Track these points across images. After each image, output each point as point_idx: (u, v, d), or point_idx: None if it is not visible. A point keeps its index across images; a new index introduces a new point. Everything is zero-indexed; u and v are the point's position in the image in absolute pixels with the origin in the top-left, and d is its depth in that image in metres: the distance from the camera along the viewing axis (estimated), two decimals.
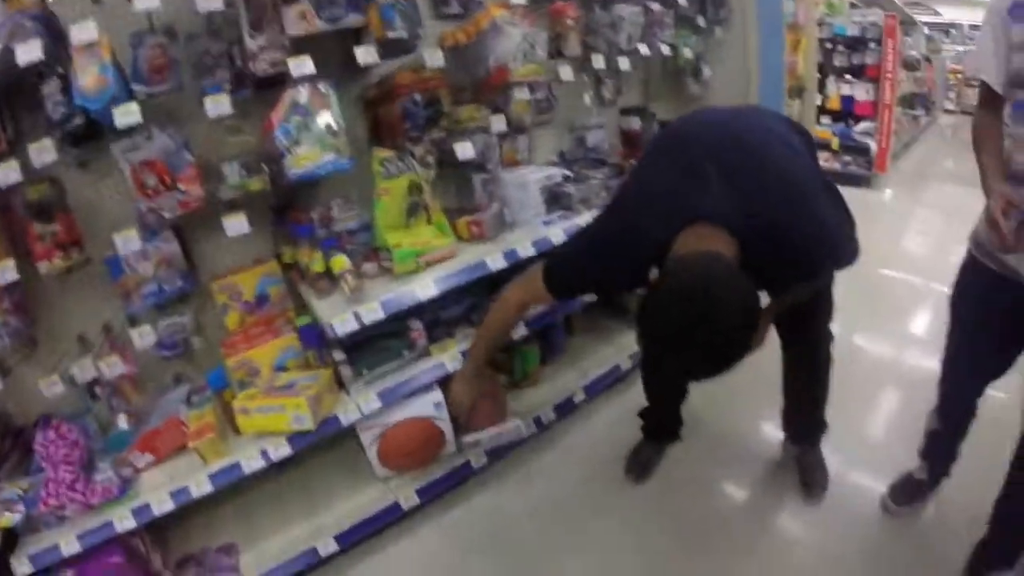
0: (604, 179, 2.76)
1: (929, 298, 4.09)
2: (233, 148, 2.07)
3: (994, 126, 1.64)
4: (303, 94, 1.92)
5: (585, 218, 2.51)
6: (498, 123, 2.40)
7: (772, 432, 2.60)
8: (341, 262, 2.12)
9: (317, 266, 2.17)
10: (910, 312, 3.94)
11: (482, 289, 2.35)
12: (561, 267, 1.74)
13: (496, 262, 2.22)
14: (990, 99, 1.65)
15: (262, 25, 1.89)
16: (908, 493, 2.22)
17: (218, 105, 1.83)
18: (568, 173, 2.67)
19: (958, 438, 2.10)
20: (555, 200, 2.49)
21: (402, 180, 2.21)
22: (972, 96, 18.31)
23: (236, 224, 1.91)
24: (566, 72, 2.63)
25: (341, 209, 2.28)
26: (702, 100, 3.64)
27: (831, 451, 2.43)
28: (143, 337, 2.00)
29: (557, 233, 2.38)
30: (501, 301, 1.91)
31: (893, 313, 3.89)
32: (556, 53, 2.75)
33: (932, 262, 4.88)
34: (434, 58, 2.14)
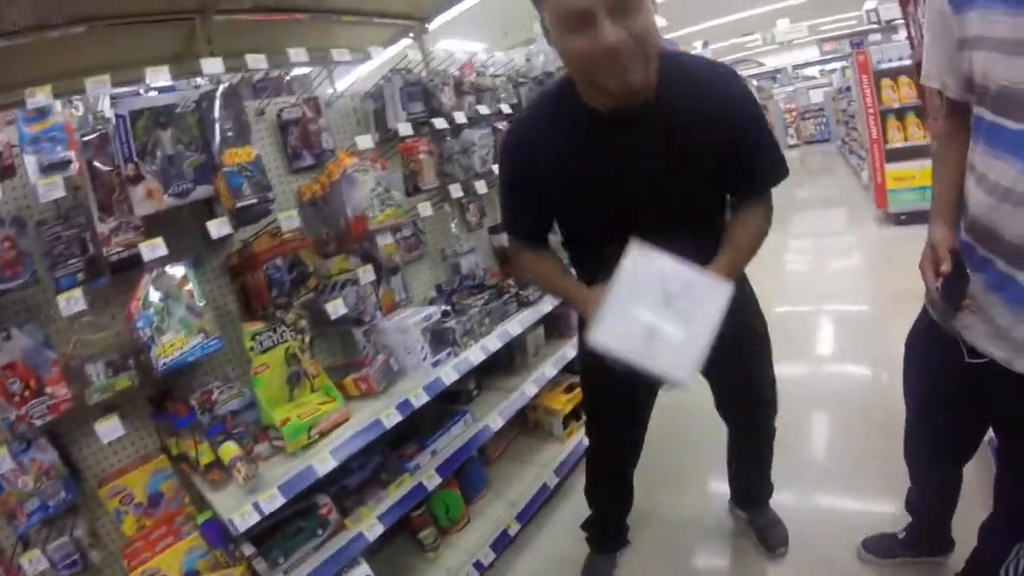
0: (484, 305, 2.80)
1: (822, 317, 4.59)
2: (96, 346, 1.96)
3: (957, 140, 1.39)
4: (161, 278, 1.89)
5: (472, 352, 2.54)
6: (366, 274, 2.40)
7: (720, 506, 2.66)
8: (229, 450, 2.01)
9: (205, 457, 2.05)
10: (815, 336, 4.32)
11: (386, 445, 2.28)
12: (504, 218, 1.82)
13: (391, 418, 2.17)
14: (952, 108, 1.42)
15: (111, 207, 1.87)
16: (885, 547, 2.18)
17: (71, 303, 1.75)
18: (446, 308, 2.69)
19: (940, 515, 1.98)
20: (439, 339, 2.49)
21: (278, 352, 2.16)
22: (810, 126, 20.13)
23: (109, 428, 1.82)
24: (425, 208, 2.70)
25: (221, 390, 2.17)
26: None
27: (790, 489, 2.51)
28: (33, 563, 1.81)
29: (449, 373, 2.38)
30: (517, 256, 1.89)
31: (801, 343, 4.19)
32: (414, 189, 2.83)
33: (818, 285, 5.42)
34: (289, 221, 2.14)
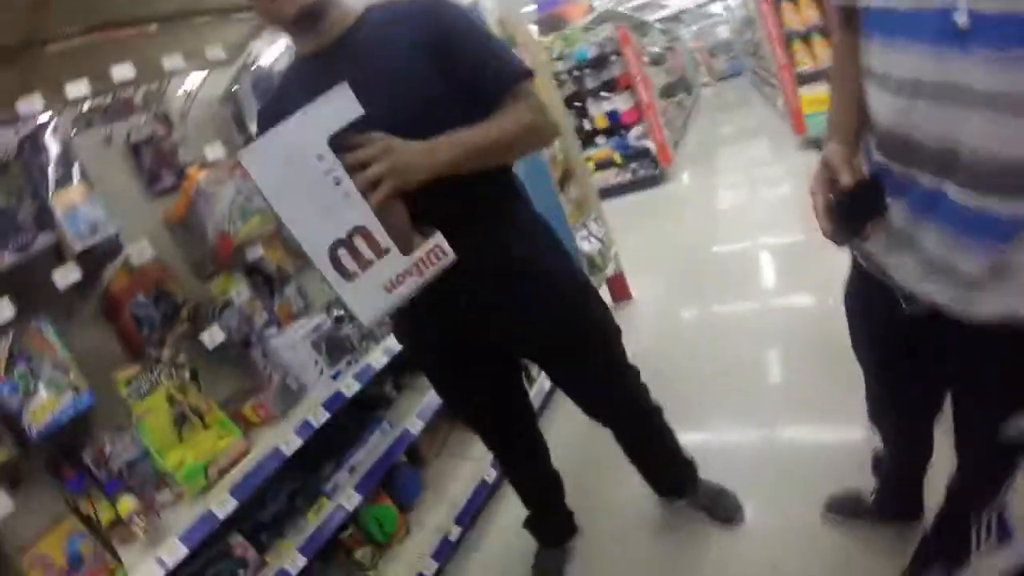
0: None
1: (764, 251, 4.66)
2: None
3: (851, 50, 1.19)
4: (19, 340, 1.81)
5: (374, 356, 2.42)
6: (240, 293, 2.29)
7: None
8: (126, 505, 1.93)
9: (105, 515, 1.96)
10: (755, 271, 4.39)
11: (306, 468, 2.18)
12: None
13: (291, 444, 2.06)
14: (846, 16, 1.23)
15: None
16: (850, 508, 2.08)
17: None
18: (340, 313, 2.57)
19: (911, 476, 1.82)
20: (336, 347, 2.38)
21: (158, 394, 2.03)
22: (721, 63, 20.32)
23: None
24: None
25: (113, 442, 2.05)
26: None
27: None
28: None
29: (350, 384, 2.27)
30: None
31: (741, 279, 4.28)
32: None
33: (751, 220, 5.50)
34: (140, 253, 1.99)
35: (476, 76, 1.47)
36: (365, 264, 1.25)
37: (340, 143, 1.22)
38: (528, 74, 1.53)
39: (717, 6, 21.56)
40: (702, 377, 3.23)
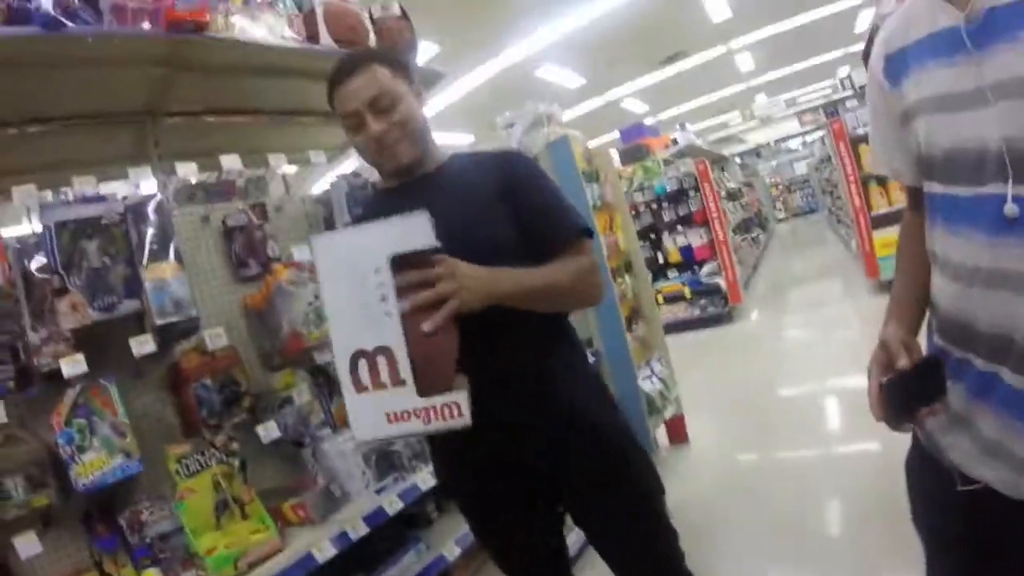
0: None
1: (831, 396, 4.57)
2: (15, 460, 1.89)
3: (917, 232, 1.22)
4: (83, 394, 1.88)
5: (422, 476, 2.41)
6: (301, 394, 2.34)
7: None
8: (150, 575, 1.93)
9: None
10: (822, 416, 4.32)
11: None
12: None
13: (325, 552, 2.04)
14: (913, 198, 1.26)
15: (44, 316, 1.88)
16: None
17: None
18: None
19: None
20: (385, 462, 2.39)
21: (205, 477, 2.06)
22: (797, 198, 20.21)
23: (27, 545, 1.79)
24: None
25: (152, 511, 2.07)
26: None
27: None
28: None
29: (393, 501, 2.26)
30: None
31: (807, 423, 4.17)
32: None
33: (819, 363, 5.39)
34: (216, 339, 2.07)
35: (538, 225, 1.56)
36: (378, 385, 1.25)
37: (408, 260, 1.25)
38: (587, 233, 1.60)
39: (795, 142, 21.81)
40: (757, 527, 3.08)
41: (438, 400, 1.24)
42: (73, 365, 1.82)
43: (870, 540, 2.74)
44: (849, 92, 14.58)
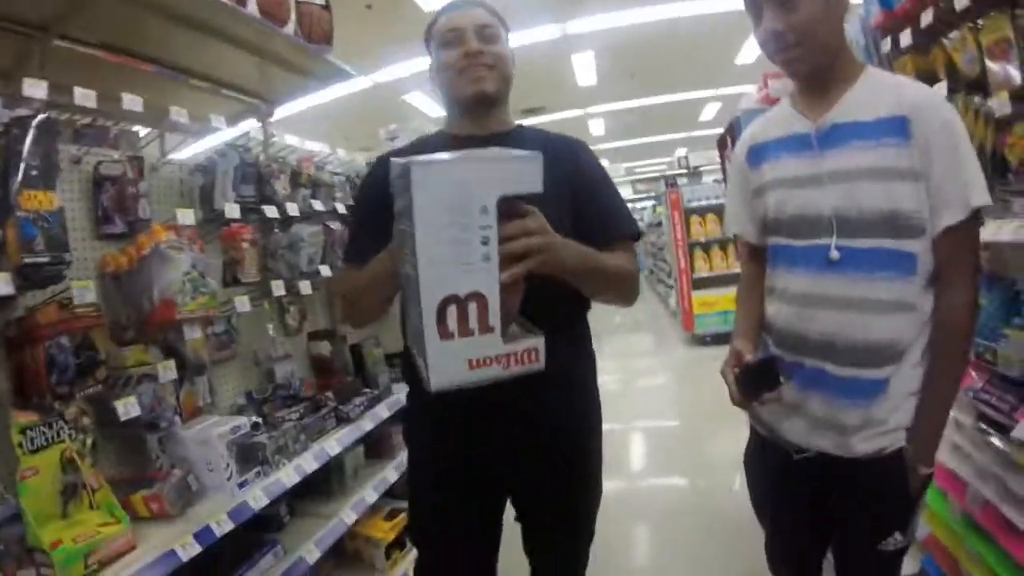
0: (299, 419, 2.59)
1: (636, 434, 5.17)
2: None
3: (755, 281, 1.77)
4: None
5: (287, 472, 2.28)
6: (167, 371, 2.11)
7: None
8: None
9: None
10: (629, 452, 4.81)
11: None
12: (346, 248, 1.87)
13: (189, 548, 1.83)
14: (751, 253, 1.81)
15: None
16: None
17: None
18: (257, 419, 2.42)
19: None
20: (247, 455, 2.20)
21: (52, 452, 1.76)
22: None
23: None
24: (243, 303, 2.49)
25: None
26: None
27: None
28: None
29: (258, 496, 2.10)
30: (336, 284, 1.80)
31: (617, 459, 4.48)
32: (232, 280, 2.60)
33: (630, 406, 5.97)
34: (83, 292, 1.83)
35: (598, 217, 1.64)
36: (465, 331, 1.18)
37: (511, 205, 1.21)
38: (638, 236, 1.73)
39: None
40: None
41: (520, 345, 1.24)
42: None
43: (675, 564, 2.98)
44: (683, 171, 15.94)
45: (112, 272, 2.16)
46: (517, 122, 1.78)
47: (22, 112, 1.77)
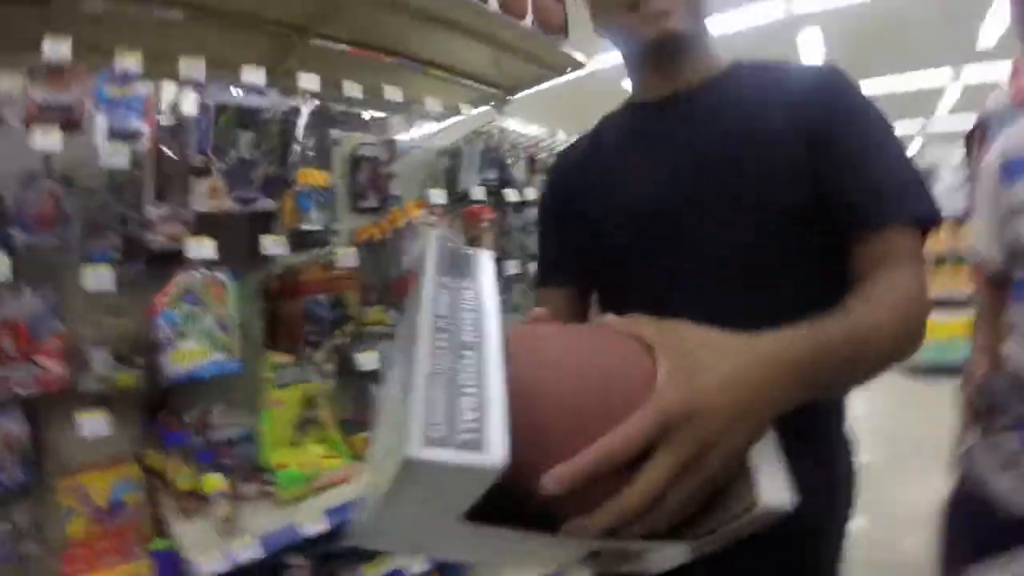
0: None
1: None
2: (107, 331, 1.92)
3: (997, 314, 1.60)
4: (198, 280, 1.86)
5: None
6: None
7: None
8: (214, 482, 1.89)
9: (184, 482, 1.92)
10: None
11: None
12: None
13: None
14: (992, 280, 1.63)
15: (166, 193, 1.85)
16: None
17: (98, 277, 1.72)
18: None
19: None
20: None
21: (296, 390, 2.12)
22: None
23: (93, 423, 1.75)
24: None
25: (222, 415, 2.09)
26: None
27: None
28: None
29: None
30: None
31: None
32: None
33: None
34: (346, 258, 2.13)
35: (853, 191, 0.95)
36: None
37: None
38: (932, 223, 0.95)
39: None
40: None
41: None
42: (199, 247, 1.83)
43: None
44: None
45: (365, 241, 2.48)
46: (732, 61, 1.11)
47: (293, 102, 2.10)
